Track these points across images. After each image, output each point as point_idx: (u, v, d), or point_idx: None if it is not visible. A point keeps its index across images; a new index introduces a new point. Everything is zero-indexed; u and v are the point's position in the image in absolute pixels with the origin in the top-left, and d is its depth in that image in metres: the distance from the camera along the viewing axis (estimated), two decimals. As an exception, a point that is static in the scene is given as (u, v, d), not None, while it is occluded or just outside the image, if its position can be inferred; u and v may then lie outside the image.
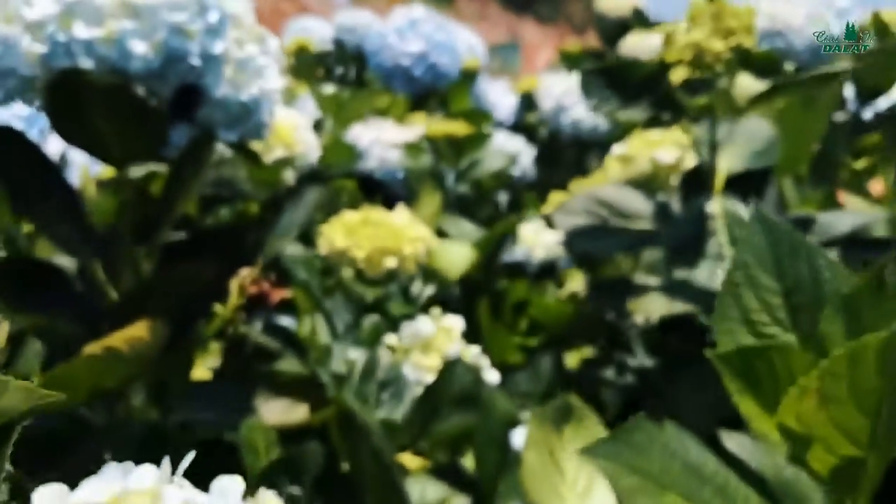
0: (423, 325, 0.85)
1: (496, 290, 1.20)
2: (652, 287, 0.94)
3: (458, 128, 1.34)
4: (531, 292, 1.22)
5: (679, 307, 0.82)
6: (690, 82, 0.85)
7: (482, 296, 1.19)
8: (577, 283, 1.92)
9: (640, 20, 2.72)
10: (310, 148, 1.51)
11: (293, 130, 1.36)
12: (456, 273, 1.05)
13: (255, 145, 1.38)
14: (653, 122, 0.90)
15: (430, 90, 2.11)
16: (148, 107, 0.71)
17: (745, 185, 0.95)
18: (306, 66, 2.47)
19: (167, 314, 0.81)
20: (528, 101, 2.86)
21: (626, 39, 2.64)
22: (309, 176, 1.66)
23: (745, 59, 0.84)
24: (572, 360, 1.53)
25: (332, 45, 2.67)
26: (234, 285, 1.24)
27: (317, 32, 2.78)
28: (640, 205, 0.95)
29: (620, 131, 2.20)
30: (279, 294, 1.38)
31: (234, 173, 1.40)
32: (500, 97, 2.97)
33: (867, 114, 1.73)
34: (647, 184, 1.11)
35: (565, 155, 2.15)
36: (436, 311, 0.87)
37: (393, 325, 1.04)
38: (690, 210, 0.87)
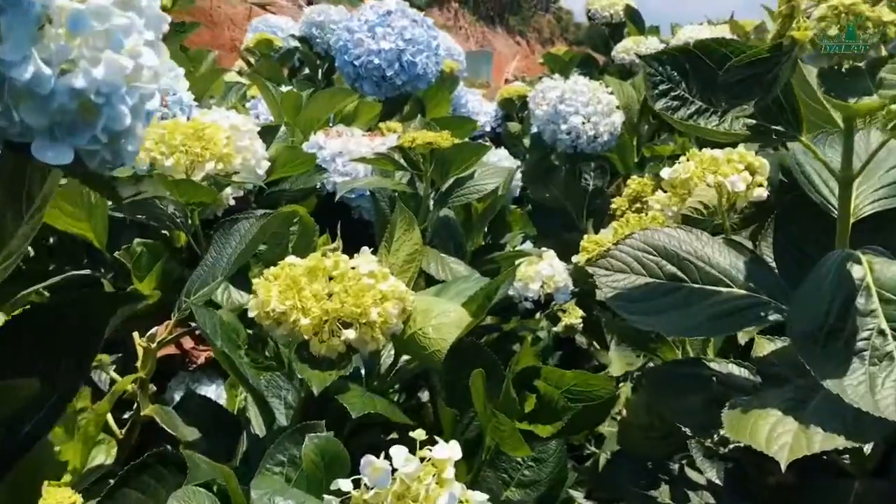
0: (398, 458, 0.50)
1: (491, 354, 0.85)
2: (745, 383, 0.59)
3: (443, 138, 0.99)
4: (538, 357, 0.88)
5: (819, 443, 0.47)
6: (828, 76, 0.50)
7: (472, 363, 0.84)
8: (574, 318, 1.58)
9: (634, 21, 2.39)
10: (255, 160, 1.15)
11: (230, 138, 1.00)
12: (444, 345, 0.69)
13: (177, 159, 1.02)
14: (758, 136, 0.55)
15: (405, 94, 1.75)
16: None
17: (874, 232, 0.61)
18: (269, 66, 2.10)
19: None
20: (509, 110, 2.52)
21: (622, 43, 2.30)
22: (257, 194, 1.30)
23: (919, 38, 0.50)
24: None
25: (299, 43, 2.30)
26: (139, 347, 0.88)
27: (284, 31, 2.41)
28: (721, 257, 0.60)
29: (622, 145, 1.86)
30: (205, 353, 1.02)
31: (154, 192, 1.03)
32: (479, 104, 2.62)
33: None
34: (709, 220, 0.76)
35: (558, 169, 1.80)
36: (419, 432, 0.52)
37: (350, 421, 0.68)
38: (821, 274, 0.53)
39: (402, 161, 1.04)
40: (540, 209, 1.81)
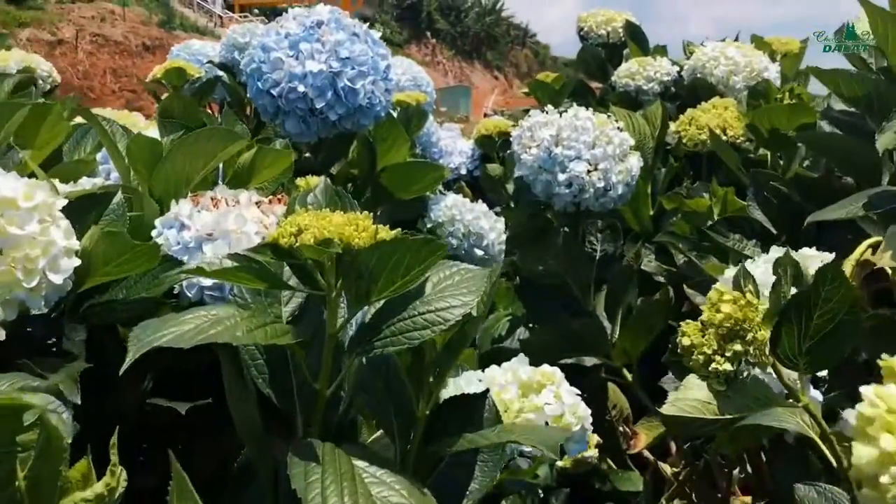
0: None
1: None
2: None
3: (358, 227, 0.48)
4: None
5: None
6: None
7: None
8: (589, 448, 1.07)
9: (636, 40, 1.88)
10: (46, 260, 0.63)
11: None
12: None
13: None
14: None
15: (345, 133, 1.23)
16: None
17: None
18: (180, 102, 1.58)
19: None
20: (487, 149, 2.02)
21: (624, 66, 1.80)
22: (71, 310, 0.78)
23: None
24: None
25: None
26: None
27: (209, 57, 1.90)
28: None
29: (634, 195, 1.35)
30: None
31: None
32: (452, 143, 2.12)
33: None
34: None
35: (555, 231, 1.29)
36: None
37: None
38: None
39: (284, 273, 0.52)
40: (531, 285, 1.29)
